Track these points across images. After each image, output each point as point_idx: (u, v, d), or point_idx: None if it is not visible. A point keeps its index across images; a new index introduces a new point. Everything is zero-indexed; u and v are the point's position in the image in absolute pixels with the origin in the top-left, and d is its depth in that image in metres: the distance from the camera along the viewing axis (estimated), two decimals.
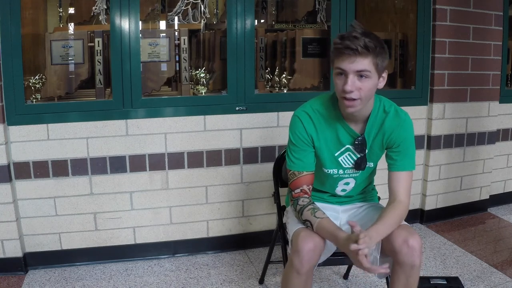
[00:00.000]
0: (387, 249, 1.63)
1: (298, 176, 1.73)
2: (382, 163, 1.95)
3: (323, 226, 1.61)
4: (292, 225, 1.76)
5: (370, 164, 1.78)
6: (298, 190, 1.73)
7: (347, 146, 1.72)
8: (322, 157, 1.74)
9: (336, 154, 1.74)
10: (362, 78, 1.55)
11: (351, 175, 1.78)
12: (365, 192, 1.93)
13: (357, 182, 1.82)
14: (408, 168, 1.71)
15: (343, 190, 1.85)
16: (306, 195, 1.72)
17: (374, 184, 1.98)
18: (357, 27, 1.56)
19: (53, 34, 2.70)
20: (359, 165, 1.74)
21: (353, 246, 1.45)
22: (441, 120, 3.13)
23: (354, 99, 1.57)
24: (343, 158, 1.74)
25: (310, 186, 1.74)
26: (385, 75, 1.63)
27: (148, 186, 2.64)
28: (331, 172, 1.77)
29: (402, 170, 1.71)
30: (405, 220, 1.71)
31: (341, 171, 1.76)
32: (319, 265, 1.69)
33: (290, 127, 1.75)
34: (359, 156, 1.73)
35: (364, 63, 1.53)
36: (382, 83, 1.63)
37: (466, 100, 3.18)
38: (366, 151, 1.73)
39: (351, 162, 1.75)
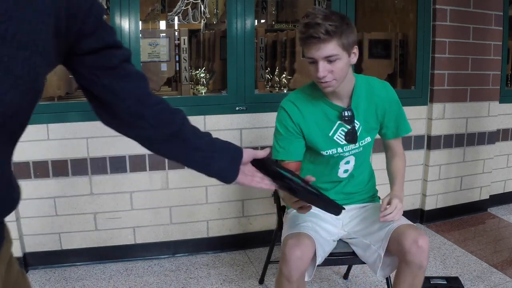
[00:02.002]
0: (394, 249, 1.63)
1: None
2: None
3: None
4: (284, 230, 1.76)
5: (368, 139, 1.79)
6: None
7: (338, 122, 1.74)
8: (316, 141, 1.74)
9: (330, 134, 1.74)
10: (332, 62, 1.58)
11: (351, 152, 1.78)
12: (367, 192, 1.92)
13: (356, 159, 1.82)
14: (405, 132, 1.84)
15: (345, 171, 1.84)
16: None
17: (375, 183, 1.98)
18: (317, 11, 1.56)
19: None
20: (351, 137, 1.75)
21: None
22: (441, 120, 3.13)
23: (328, 81, 1.60)
24: (338, 135, 1.75)
25: None
26: (355, 50, 1.64)
27: (148, 186, 2.64)
28: (331, 153, 1.76)
29: (401, 136, 1.85)
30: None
31: (340, 149, 1.76)
32: (318, 265, 1.69)
33: (276, 118, 1.79)
34: (349, 127, 1.74)
35: (330, 48, 1.55)
36: (354, 58, 1.65)
37: (466, 100, 3.18)
38: (357, 123, 1.74)
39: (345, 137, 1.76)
